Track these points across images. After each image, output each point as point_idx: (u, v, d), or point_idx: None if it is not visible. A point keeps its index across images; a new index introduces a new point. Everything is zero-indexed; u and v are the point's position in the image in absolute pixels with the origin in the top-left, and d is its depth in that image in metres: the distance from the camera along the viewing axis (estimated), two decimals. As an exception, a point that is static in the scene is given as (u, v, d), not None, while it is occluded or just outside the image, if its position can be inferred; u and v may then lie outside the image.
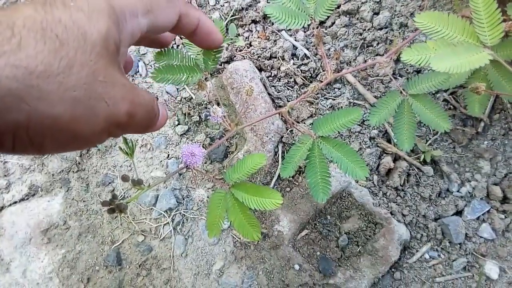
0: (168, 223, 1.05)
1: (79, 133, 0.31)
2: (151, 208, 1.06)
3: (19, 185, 1.08)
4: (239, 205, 0.69)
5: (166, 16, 0.39)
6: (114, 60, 0.33)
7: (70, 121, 0.29)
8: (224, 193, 0.71)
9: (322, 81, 1.11)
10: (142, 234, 1.05)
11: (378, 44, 1.13)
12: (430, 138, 1.09)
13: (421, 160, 1.07)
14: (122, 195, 1.08)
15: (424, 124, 1.10)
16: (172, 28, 0.42)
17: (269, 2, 1.17)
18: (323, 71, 1.11)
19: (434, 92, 1.09)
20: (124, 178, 0.64)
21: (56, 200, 1.07)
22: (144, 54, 1.19)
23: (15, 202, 1.07)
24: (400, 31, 1.13)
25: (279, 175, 1.07)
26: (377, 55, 1.12)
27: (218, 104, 1.14)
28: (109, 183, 1.09)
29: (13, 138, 0.28)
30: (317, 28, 0.81)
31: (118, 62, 0.34)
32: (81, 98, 0.29)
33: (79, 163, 1.10)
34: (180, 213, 1.06)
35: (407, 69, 1.11)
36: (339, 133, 1.07)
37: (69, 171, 1.09)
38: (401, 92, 0.82)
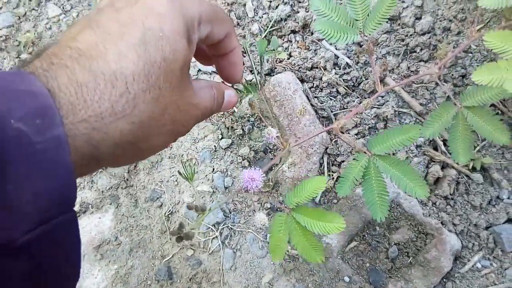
0: (216, 237, 1.06)
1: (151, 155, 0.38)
2: (199, 222, 1.07)
3: (70, 202, 1.11)
4: (301, 229, 0.69)
5: (219, 30, 0.40)
6: (187, 81, 0.36)
7: (146, 156, 0.36)
8: (285, 216, 0.71)
9: (366, 90, 1.10)
10: (191, 248, 1.07)
11: (421, 50, 1.11)
12: (478, 145, 1.07)
13: (470, 168, 1.05)
14: (170, 210, 1.09)
15: (471, 130, 1.08)
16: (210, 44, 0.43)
17: (307, 12, 1.17)
18: (366, 79, 1.10)
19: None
20: (190, 207, 0.66)
21: (107, 217, 1.09)
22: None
23: (67, 219, 1.10)
24: (443, 35, 1.11)
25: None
26: (420, 61, 1.10)
27: (261, 119, 1.14)
28: (157, 198, 1.10)
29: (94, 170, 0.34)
30: (368, 41, 0.80)
31: (189, 78, 0.36)
32: (160, 144, 0.36)
33: (127, 179, 1.12)
34: (228, 226, 1.07)
35: (452, 75, 1.09)
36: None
37: (117, 187, 1.12)
38: (454, 103, 0.81)
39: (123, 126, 0.30)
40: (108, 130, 0.29)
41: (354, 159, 0.77)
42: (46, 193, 0.26)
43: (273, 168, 1.11)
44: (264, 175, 0.65)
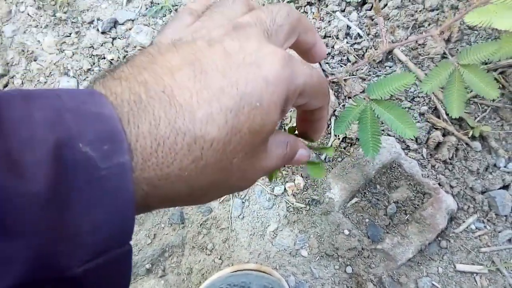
0: (227, 187, 1.14)
1: None
2: (212, 173, 1.16)
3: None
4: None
5: (315, 104, 0.38)
6: (264, 147, 0.33)
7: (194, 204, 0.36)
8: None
9: (375, 60, 1.17)
10: (203, 197, 1.15)
11: (429, 24, 1.18)
12: (478, 115, 1.13)
13: (469, 136, 1.11)
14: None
15: (473, 102, 1.14)
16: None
17: (324, -14, 1.24)
18: (375, 49, 1.17)
19: (485, 70, 1.13)
20: None
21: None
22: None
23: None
24: (451, 12, 1.18)
25: (331, 146, 1.14)
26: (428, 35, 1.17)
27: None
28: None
29: None
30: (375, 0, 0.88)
31: (267, 144, 0.34)
32: (213, 199, 0.36)
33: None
34: (238, 178, 1.15)
35: (457, 49, 1.15)
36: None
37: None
38: (452, 62, 0.87)
39: (181, 189, 0.28)
40: (166, 189, 0.28)
41: (353, 102, 0.85)
42: (106, 226, 0.24)
43: (283, 127, 1.18)
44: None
